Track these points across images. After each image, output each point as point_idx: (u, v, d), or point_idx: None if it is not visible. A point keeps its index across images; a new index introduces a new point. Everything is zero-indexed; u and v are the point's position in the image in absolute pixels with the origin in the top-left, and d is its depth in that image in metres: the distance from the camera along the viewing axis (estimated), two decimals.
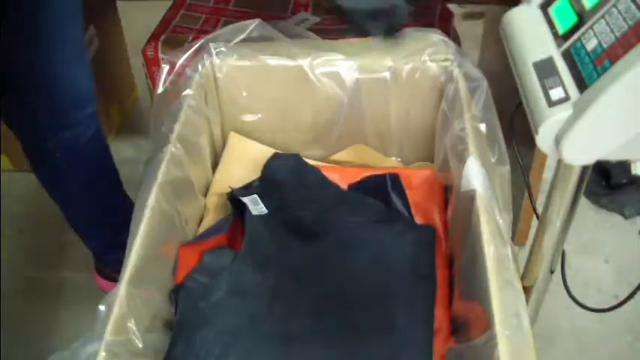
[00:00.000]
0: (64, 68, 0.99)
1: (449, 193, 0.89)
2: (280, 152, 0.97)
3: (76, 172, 1.10)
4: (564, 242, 0.76)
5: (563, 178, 0.68)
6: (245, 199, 0.85)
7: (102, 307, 0.61)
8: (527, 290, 0.81)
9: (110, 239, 1.23)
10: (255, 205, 0.86)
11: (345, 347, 0.73)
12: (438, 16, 1.27)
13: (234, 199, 0.87)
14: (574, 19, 0.61)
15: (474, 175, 0.73)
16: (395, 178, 0.92)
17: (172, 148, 0.78)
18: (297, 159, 0.95)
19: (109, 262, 1.29)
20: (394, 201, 0.90)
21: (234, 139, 0.98)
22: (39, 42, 0.94)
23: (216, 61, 0.92)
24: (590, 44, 0.57)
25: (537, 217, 0.80)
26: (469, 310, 0.69)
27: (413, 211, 0.89)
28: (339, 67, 0.91)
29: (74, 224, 1.21)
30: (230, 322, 0.75)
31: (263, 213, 0.86)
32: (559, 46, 0.61)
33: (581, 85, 0.56)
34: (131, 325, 0.63)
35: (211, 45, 0.91)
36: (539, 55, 0.62)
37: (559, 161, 0.66)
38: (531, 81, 0.60)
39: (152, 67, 1.19)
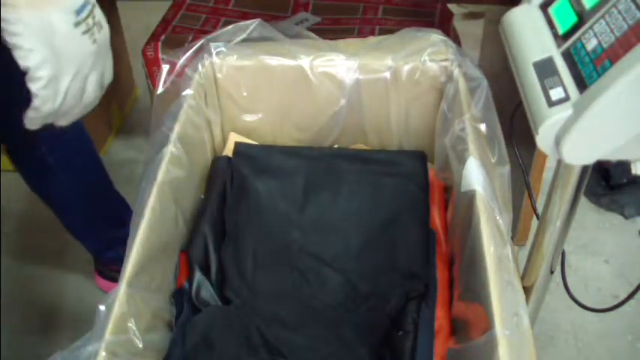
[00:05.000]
0: None
1: (449, 193, 0.89)
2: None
3: (63, 165, 1.08)
4: (564, 242, 0.76)
5: (563, 178, 0.68)
6: None
7: (102, 307, 0.61)
8: (527, 290, 0.81)
9: (106, 237, 1.23)
10: None
11: None
12: (438, 16, 1.28)
13: None
14: (574, 19, 0.61)
15: (474, 175, 0.73)
16: None
17: (172, 148, 0.78)
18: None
19: (107, 260, 1.29)
20: None
21: (234, 139, 0.98)
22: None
23: (216, 61, 0.92)
24: (590, 44, 0.57)
25: (537, 217, 0.80)
26: (469, 310, 0.69)
27: None
28: (339, 67, 0.91)
29: (68, 225, 1.21)
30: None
31: None
32: (559, 46, 0.61)
33: (581, 85, 0.56)
34: (131, 325, 0.63)
35: (211, 45, 0.91)
36: (539, 55, 0.62)
37: (559, 161, 0.66)
38: (531, 81, 0.60)
39: (152, 67, 1.19)
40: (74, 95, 0.72)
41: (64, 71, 0.69)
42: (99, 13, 0.72)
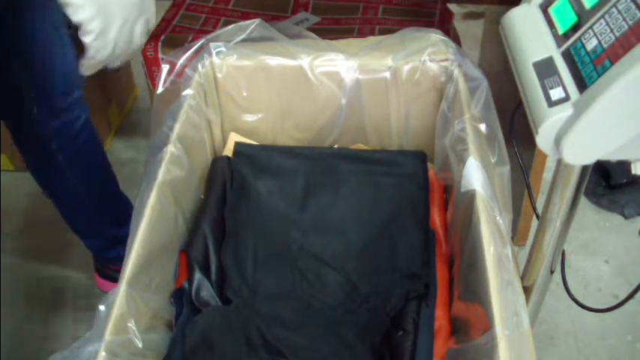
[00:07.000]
0: (45, 52, 0.96)
1: (449, 193, 0.89)
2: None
3: (72, 163, 1.09)
4: (564, 242, 0.76)
5: (563, 178, 0.68)
6: None
7: (102, 307, 0.61)
8: (527, 290, 0.81)
9: (109, 236, 1.23)
10: None
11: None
12: (438, 16, 1.28)
13: None
14: (574, 19, 0.61)
15: (474, 175, 0.73)
16: None
17: (172, 148, 0.78)
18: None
19: (108, 260, 1.29)
20: None
21: (234, 139, 0.98)
22: (17, 25, 0.92)
23: (216, 61, 0.92)
24: (590, 44, 0.57)
25: (537, 217, 0.80)
26: (469, 310, 0.69)
27: None
28: (339, 67, 0.91)
29: (72, 223, 1.21)
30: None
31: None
32: (559, 46, 0.61)
33: (581, 85, 0.56)
34: (131, 325, 0.63)
35: (211, 45, 0.91)
36: (539, 55, 0.62)
37: (559, 161, 0.66)
38: (531, 81, 0.60)
39: (152, 67, 1.19)
40: (123, 42, 0.79)
41: (112, 23, 0.75)
42: None
